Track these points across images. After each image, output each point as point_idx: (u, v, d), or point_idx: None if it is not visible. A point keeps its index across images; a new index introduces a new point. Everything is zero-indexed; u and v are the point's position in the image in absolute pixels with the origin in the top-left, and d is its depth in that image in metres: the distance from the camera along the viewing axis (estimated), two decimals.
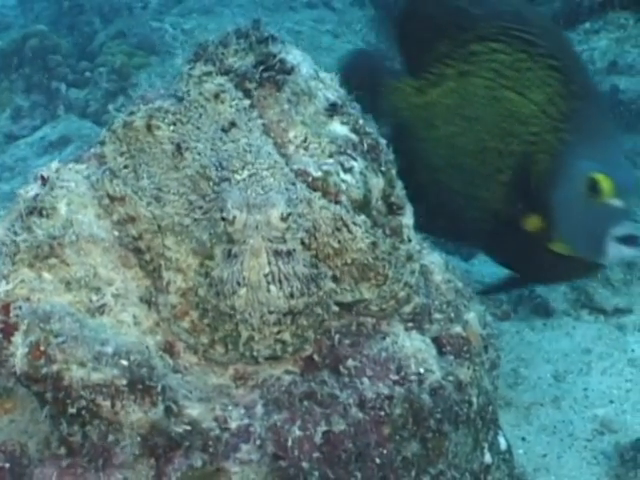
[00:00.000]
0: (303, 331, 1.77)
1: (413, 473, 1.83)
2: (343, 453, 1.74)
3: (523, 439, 3.16)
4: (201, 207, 1.81)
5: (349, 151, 2.00)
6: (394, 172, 2.09)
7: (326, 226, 1.83)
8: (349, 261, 1.84)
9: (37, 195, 1.88)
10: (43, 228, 1.83)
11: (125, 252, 1.86)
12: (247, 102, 1.96)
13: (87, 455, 1.67)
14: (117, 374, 1.67)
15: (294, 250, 1.74)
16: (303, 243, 1.78)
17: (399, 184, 2.11)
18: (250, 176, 1.78)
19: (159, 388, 1.69)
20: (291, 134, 1.99)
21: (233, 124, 1.91)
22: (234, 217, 1.69)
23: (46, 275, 1.81)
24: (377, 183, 2.02)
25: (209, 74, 1.99)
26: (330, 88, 2.12)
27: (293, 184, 1.83)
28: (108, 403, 1.66)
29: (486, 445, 2.09)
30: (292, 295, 1.72)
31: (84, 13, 8.30)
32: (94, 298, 1.81)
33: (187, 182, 1.84)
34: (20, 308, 1.75)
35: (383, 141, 2.10)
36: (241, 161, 1.81)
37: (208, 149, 1.86)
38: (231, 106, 1.94)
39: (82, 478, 1.67)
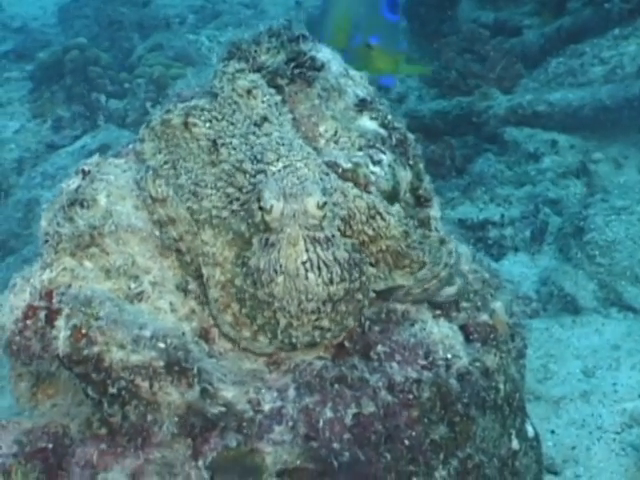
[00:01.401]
0: (342, 318, 1.78)
1: (441, 456, 1.86)
2: (373, 435, 1.78)
3: (552, 432, 3.18)
4: (238, 199, 1.84)
5: (378, 145, 2.05)
6: (422, 166, 2.13)
7: (360, 214, 1.86)
8: (384, 248, 1.88)
9: (78, 187, 1.95)
10: (84, 218, 1.90)
11: (161, 242, 1.91)
12: (278, 97, 2.02)
13: (127, 434, 1.73)
14: (155, 356, 1.73)
15: (333, 236, 1.76)
16: (339, 231, 1.81)
17: (427, 177, 2.15)
18: (285, 167, 1.81)
19: (195, 370, 1.74)
20: (321, 128, 2.04)
21: (265, 119, 1.96)
22: (271, 206, 1.72)
23: (87, 263, 1.87)
24: (405, 176, 2.07)
25: (242, 71, 2.05)
26: (359, 85, 2.18)
27: (327, 174, 1.87)
28: (147, 384, 1.72)
29: (513, 431, 2.11)
30: (332, 281, 1.73)
31: (123, 29, 8.42)
32: (132, 285, 1.87)
33: (224, 176, 1.88)
34: (63, 294, 1.81)
35: (411, 136, 2.15)
36: (275, 153, 1.85)
37: (243, 143, 1.91)
38: (263, 101, 1.99)
39: (122, 456, 1.73)
